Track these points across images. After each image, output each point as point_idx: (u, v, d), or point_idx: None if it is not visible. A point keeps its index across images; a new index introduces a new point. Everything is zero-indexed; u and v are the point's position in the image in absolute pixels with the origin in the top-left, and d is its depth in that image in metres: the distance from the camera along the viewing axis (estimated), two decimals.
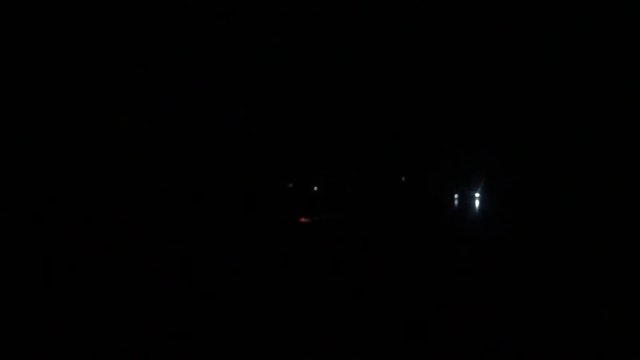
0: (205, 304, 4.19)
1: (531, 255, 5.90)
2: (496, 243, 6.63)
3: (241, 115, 8.18)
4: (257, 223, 7.32)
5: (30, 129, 6.85)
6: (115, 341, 3.41)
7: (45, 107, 6.98)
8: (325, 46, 8.16)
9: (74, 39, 7.01)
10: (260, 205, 7.80)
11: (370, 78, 8.36)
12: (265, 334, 3.59)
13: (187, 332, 3.60)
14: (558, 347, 3.39)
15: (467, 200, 8.25)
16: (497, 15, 7.65)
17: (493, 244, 6.60)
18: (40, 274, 4.90)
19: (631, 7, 6.95)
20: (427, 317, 3.92)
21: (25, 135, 6.81)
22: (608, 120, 7.38)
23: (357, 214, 8.23)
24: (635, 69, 7.14)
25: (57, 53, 6.98)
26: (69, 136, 7.09)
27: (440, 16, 7.80)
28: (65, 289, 4.51)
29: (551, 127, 7.74)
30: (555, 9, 7.38)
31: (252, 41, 7.95)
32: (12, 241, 5.78)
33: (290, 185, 8.42)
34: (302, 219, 7.84)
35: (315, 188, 8.55)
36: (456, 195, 8.44)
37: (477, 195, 8.17)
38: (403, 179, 8.53)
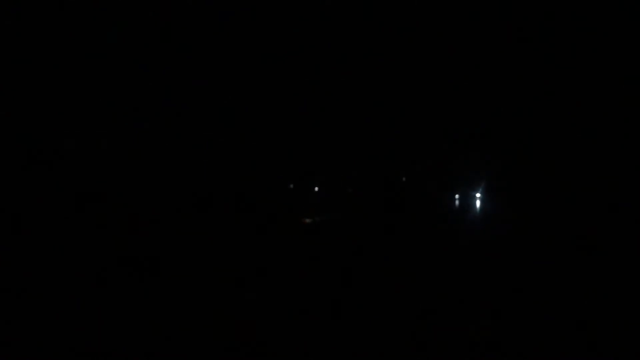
0: (207, 304, 4.19)
1: (531, 255, 5.91)
2: (496, 243, 6.63)
3: (242, 116, 8.18)
4: (259, 224, 7.32)
5: (30, 129, 6.84)
6: (115, 341, 3.40)
7: (46, 107, 6.97)
8: (325, 46, 8.17)
9: (74, 39, 7.00)
10: (262, 206, 7.80)
11: (370, 78, 8.37)
12: (268, 334, 3.59)
13: (188, 332, 3.59)
14: (558, 347, 3.39)
15: (468, 200, 8.26)
16: (497, 16, 7.66)
17: (493, 244, 6.60)
18: (41, 274, 4.89)
19: (631, 7, 6.97)
20: (427, 318, 3.92)
21: (25, 135, 6.80)
22: (608, 120, 7.40)
23: (358, 214, 8.22)
24: (635, 69, 7.15)
25: (57, 53, 6.97)
26: (69, 136, 7.08)
27: (440, 16, 7.81)
28: (65, 288, 4.50)
29: (551, 127, 7.76)
30: (555, 9, 7.39)
31: (252, 41, 7.95)
32: (12, 241, 5.77)
33: (292, 186, 8.43)
34: (305, 220, 7.84)
35: (317, 189, 8.56)
36: (457, 196, 8.44)
37: (478, 195, 8.17)
38: (404, 179, 8.53)
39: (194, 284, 4.93)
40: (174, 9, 7.41)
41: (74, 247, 5.94)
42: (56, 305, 4.23)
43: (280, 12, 7.84)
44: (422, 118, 8.49)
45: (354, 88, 8.44)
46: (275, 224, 7.58)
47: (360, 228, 7.60)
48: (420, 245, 6.63)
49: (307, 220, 7.84)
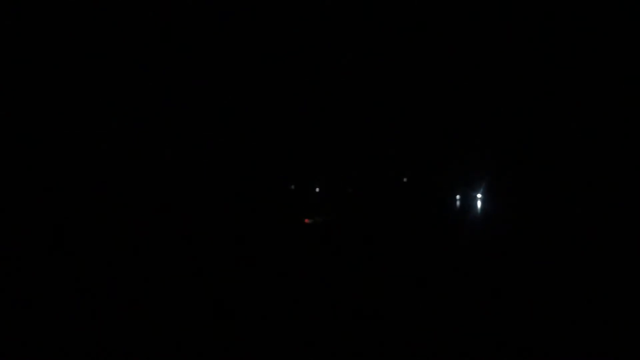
0: (208, 305, 4.19)
1: (531, 255, 5.92)
2: (497, 243, 6.64)
3: (242, 116, 8.17)
4: (261, 225, 7.32)
5: (30, 129, 6.82)
6: (115, 341, 3.40)
7: (45, 107, 6.95)
8: (325, 46, 8.16)
9: (74, 39, 6.99)
10: (263, 206, 7.80)
11: (371, 78, 8.36)
12: (269, 335, 3.59)
13: (189, 332, 3.59)
14: (558, 347, 3.39)
15: (468, 200, 8.26)
16: (497, 15, 7.67)
17: (494, 243, 6.61)
18: (40, 274, 4.88)
19: (631, 7, 6.98)
20: (427, 317, 3.93)
21: (25, 135, 6.78)
22: (608, 120, 7.41)
23: (358, 215, 8.23)
24: (635, 69, 7.16)
25: (57, 53, 6.95)
26: (68, 136, 7.07)
27: (440, 16, 7.81)
28: (65, 289, 4.49)
29: (551, 127, 7.76)
30: (555, 9, 7.40)
31: (252, 41, 7.94)
32: (12, 241, 5.76)
33: (293, 186, 8.42)
34: (306, 220, 7.84)
35: (317, 189, 8.56)
36: (458, 196, 8.44)
37: (479, 195, 8.17)
38: (405, 179, 8.53)
39: (193, 284, 4.92)
40: (174, 9, 7.40)
41: (74, 247, 5.93)
42: (56, 305, 4.23)
43: (280, 12, 7.83)
44: (422, 118, 8.49)
45: (354, 88, 8.44)
46: (276, 224, 7.59)
47: (360, 228, 7.62)
48: (420, 246, 6.64)
49: (310, 221, 7.85)
